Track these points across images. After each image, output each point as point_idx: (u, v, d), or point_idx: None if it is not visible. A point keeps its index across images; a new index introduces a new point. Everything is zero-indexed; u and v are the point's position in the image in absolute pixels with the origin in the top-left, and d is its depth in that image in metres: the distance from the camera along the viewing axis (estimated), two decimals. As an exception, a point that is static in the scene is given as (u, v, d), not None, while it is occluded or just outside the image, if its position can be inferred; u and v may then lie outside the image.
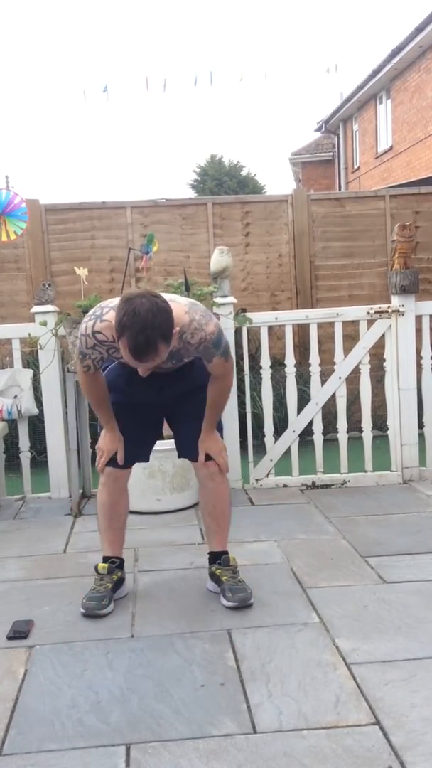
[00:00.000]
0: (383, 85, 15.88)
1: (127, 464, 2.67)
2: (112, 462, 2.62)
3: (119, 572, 2.68)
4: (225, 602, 2.56)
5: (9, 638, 2.37)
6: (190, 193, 25.25)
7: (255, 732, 1.82)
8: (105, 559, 2.70)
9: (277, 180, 51.82)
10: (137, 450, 2.68)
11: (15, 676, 2.14)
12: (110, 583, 2.62)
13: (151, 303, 2.12)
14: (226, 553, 2.71)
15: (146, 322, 2.09)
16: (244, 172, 26.82)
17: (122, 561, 2.73)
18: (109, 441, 2.60)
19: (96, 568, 2.68)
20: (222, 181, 25.59)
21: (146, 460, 2.78)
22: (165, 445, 2.95)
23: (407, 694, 1.94)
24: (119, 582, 2.67)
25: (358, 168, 18.36)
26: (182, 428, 2.69)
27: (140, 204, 6.08)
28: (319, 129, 20.25)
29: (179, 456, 2.78)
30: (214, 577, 2.68)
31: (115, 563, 2.69)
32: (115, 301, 2.29)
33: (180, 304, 2.33)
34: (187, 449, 2.68)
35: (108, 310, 2.32)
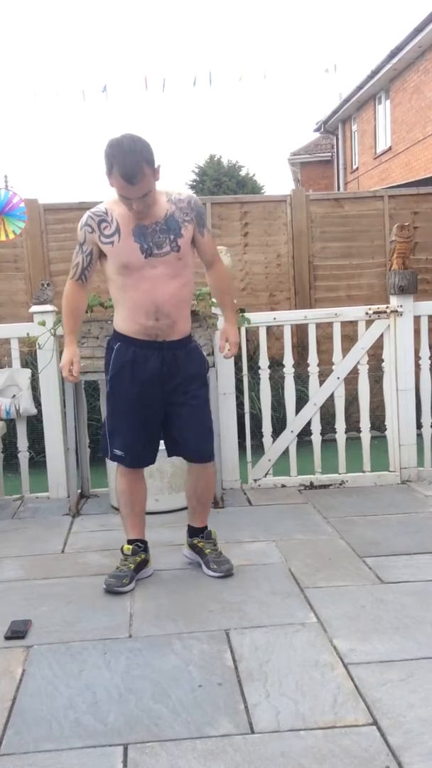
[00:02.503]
0: (382, 86, 15.88)
1: (139, 465, 2.83)
2: (125, 461, 2.77)
3: (143, 554, 2.82)
4: (210, 572, 2.79)
5: (7, 638, 2.37)
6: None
7: (253, 732, 1.82)
8: (130, 542, 2.84)
9: (276, 180, 51.86)
10: (147, 452, 2.81)
11: (12, 676, 2.14)
12: (133, 563, 2.76)
13: (130, 135, 2.45)
14: (207, 527, 2.93)
15: (130, 148, 2.41)
16: (243, 172, 26.80)
17: (146, 543, 2.87)
18: (65, 355, 2.74)
19: (121, 549, 2.84)
20: (221, 181, 25.57)
21: (153, 462, 2.87)
22: (163, 446, 2.96)
23: (405, 695, 1.95)
24: (143, 563, 2.80)
25: (357, 168, 18.37)
26: (177, 427, 2.77)
27: (139, 204, 6.08)
28: (318, 129, 20.26)
29: (169, 455, 2.91)
30: (195, 548, 2.90)
31: (140, 546, 2.83)
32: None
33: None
34: (182, 448, 2.83)
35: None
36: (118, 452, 2.76)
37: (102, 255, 2.66)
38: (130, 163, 2.40)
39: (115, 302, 2.72)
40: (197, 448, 2.80)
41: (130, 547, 2.82)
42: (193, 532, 2.94)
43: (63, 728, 1.87)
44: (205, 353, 3.60)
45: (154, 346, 2.66)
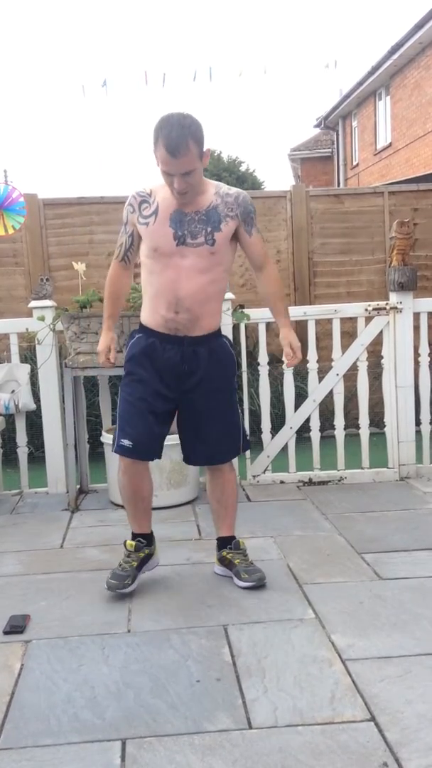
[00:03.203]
0: (382, 82, 15.86)
1: (146, 458, 2.69)
2: (128, 452, 2.63)
3: (147, 549, 2.74)
4: (241, 583, 2.64)
5: (5, 633, 2.38)
6: (189, 189, 25.20)
7: (250, 727, 1.82)
8: (133, 537, 2.75)
9: (276, 176, 51.83)
10: (155, 445, 2.67)
11: (11, 671, 2.14)
12: (136, 561, 2.68)
13: (181, 113, 2.40)
14: (235, 537, 2.79)
15: (178, 122, 2.35)
16: (243, 168, 26.77)
17: (150, 537, 2.78)
18: (103, 340, 2.72)
19: (124, 543, 2.75)
20: (221, 177, 25.51)
21: (159, 456, 2.75)
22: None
23: (402, 691, 1.95)
24: (146, 558, 2.73)
25: (357, 164, 18.34)
26: (193, 430, 2.69)
27: (139, 199, 6.06)
28: (318, 125, 20.23)
29: (189, 463, 2.86)
30: (224, 561, 2.75)
31: (143, 542, 2.74)
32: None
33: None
34: (198, 452, 2.75)
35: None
36: (125, 442, 2.61)
37: (140, 237, 2.58)
38: (176, 135, 2.34)
39: (143, 292, 2.63)
40: (208, 451, 2.70)
41: (133, 543, 2.72)
42: (221, 543, 2.80)
43: (61, 723, 1.87)
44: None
45: (174, 340, 2.56)
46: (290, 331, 2.72)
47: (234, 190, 2.58)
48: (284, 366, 2.80)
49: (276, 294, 2.74)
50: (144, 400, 2.59)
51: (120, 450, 2.63)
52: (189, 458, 2.82)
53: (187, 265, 2.50)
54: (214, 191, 2.54)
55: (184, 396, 2.63)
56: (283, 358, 2.71)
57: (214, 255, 2.52)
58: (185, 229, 2.48)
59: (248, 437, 2.83)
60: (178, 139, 2.33)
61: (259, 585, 2.62)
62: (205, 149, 2.42)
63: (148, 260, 2.55)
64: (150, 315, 2.59)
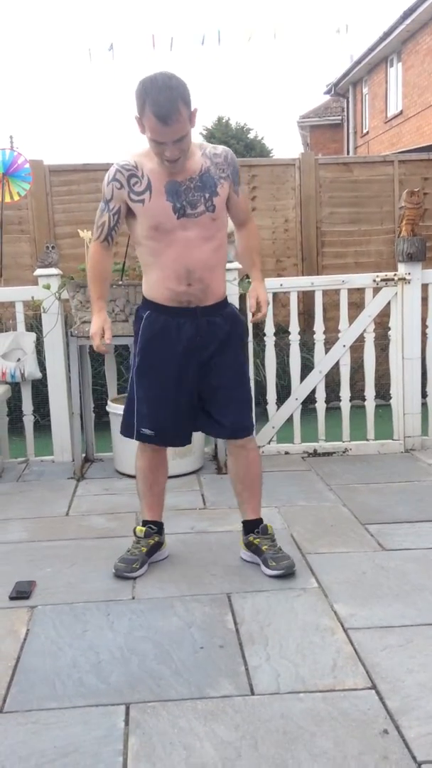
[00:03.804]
0: (394, 48, 15.54)
1: (171, 445, 2.67)
2: (150, 440, 2.58)
3: (157, 537, 2.67)
4: (268, 571, 2.51)
5: (11, 598, 2.40)
6: (196, 156, 24.92)
7: (253, 694, 1.84)
8: (144, 523, 2.69)
9: (285, 143, 51.14)
10: (180, 431, 2.60)
11: (17, 636, 2.17)
12: (146, 546, 2.62)
13: (164, 72, 2.22)
14: (262, 521, 2.67)
15: (164, 85, 2.18)
16: (251, 135, 26.43)
17: (161, 526, 2.72)
18: (95, 323, 2.53)
19: (134, 530, 2.69)
20: (229, 144, 25.20)
21: (186, 442, 2.67)
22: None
23: (403, 660, 1.97)
24: (156, 546, 2.66)
25: (367, 132, 18.08)
26: (211, 404, 2.56)
27: (145, 166, 5.99)
28: (328, 92, 19.92)
29: (211, 435, 2.83)
30: (251, 546, 2.63)
31: (153, 529, 2.67)
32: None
33: None
34: (217, 427, 2.61)
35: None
36: (146, 431, 2.54)
37: (129, 213, 2.42)
38: (165, 100, 2.16)
39: (144, 267, 2.50)
40: (232, 423, 2.55)
41: (144, 529, 2.65)
42: (248, 527, 2.66)
43: (66, 687, 1.90)
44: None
45: (186, 313, 2.43)
46: (260, 284, 2.65)
47: (220, 148, 2.45)
48: (249, 320, 2.79)
49: (255, 248, 2.70)
50: (164, 388, 2.49)
51: (141, 437, 2.58)
52: (212, 431, 2.71)
53: (192, 237, 2.37)
54: (201, 152, 2.40)
55: (201, 369, 2.50)
56: (248, 311, 2.67)
57: (215, 221, 2.41)
58: (183, 200, 2.34)
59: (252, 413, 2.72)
60: (168, 103, 2.16)
61: (288, 573, 2.49)
62: (192, 109, 2.25)
63: (148, 241, 2.40)
64: (157, 289, 2.45)
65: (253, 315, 2.64)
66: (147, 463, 2.65)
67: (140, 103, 2.21)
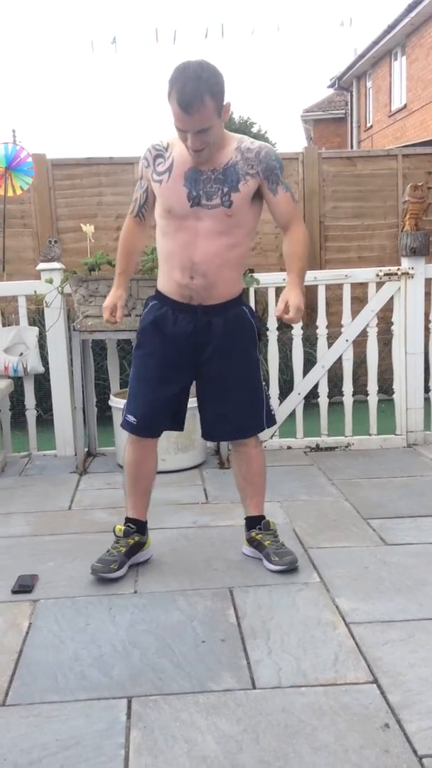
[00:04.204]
0: (398, 41, 15.47)
1: (150, 435, 2.56)
2: (131, 428, 2.53)
3: (137, 537, 2.58)
4: (271, 566, 2.50)
5: (14, 592, 2.41)
6: (200, 150, 24.88)
7: (254, 688, 1.85)
8: (125, 521, 2.61)
9: (288, 137, 51.01)
10: (162, 419, 2.54)
11: (19, 629, 2.18)
12: (124, 546, 2.54)
13: (200, 62, 2.18)
14: (264, 517, 2.65)
15: (194, 74, 2.14)
16: (254, 129, 26.36)
17: (143, 525, 2.62)
18: (110, 297, 2.59)
19: (114, 529, 2.62)
20: (232, 138, 25.18)
21: (179, 428, 2.61)
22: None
23: (405, 654, 1.97)
24: (136, 546, 2.58)
25: (371, 126, 18.02)
26: (210, 402, 2.53)
27: (148, 160, 5.98)
28: (332, 85, 19.83)
29: (203, 437, 2.75)
30: (253, 542, 2.62)
31: (133, 528, 2.58)
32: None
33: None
34: (215, 428, 2.59)
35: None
36: (129, 418, 2.51)
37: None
38: (191, 90, 2.12)
39: (158, 254, 2.47)
40: (228, 426, 2.54)
41: (122, 528, 2.57)
42: (250, 523, 2.65)
43: (68, 680, 1.91)
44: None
45: (187, 309, 2.40)
46: (294, 289, 2.38)
47: (257, 143, 2.36)
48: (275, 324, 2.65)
49: (296, 254, 2.47)
50: (152, 378, 2.47)
51: (124, 425, 2.56)
52: (210, 434, 2.69)
53: (203, 228, 2.31)
54: (236, 146, 2.33)
55: (199, 369, 2.47)
56: (276, 313, 2.42)
57: (232, 217, 2.32)
58: (200, 189, 2.29)
59: (274, 412, 2.65)
60: (193, 93, 2.12)
61: (291, 569, 2.48)
62: (225, 102, 2.21)
63: (161, 220, 2.40)
64: (165, 281, 2.44)
65: (279, 314, 2.41)
66: (132, 456, 2.58)
67: (169, 87, 2.18)
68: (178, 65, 2.18)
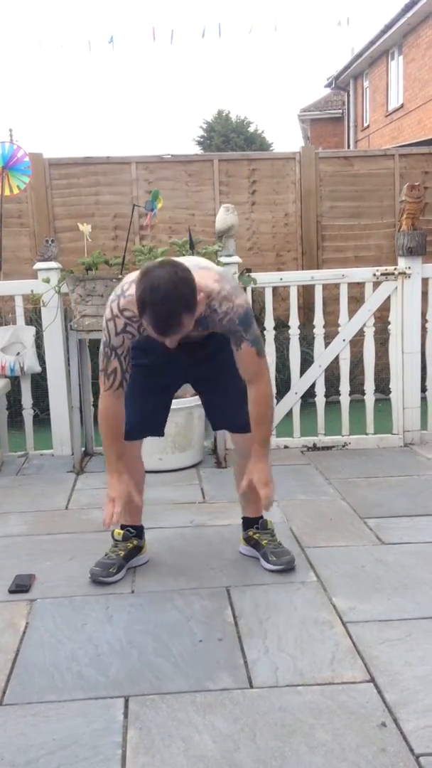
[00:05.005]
0: (395, 41, 15.49)
1: (139, 437, 2.53)
2: (125, 435, 2.43)
3: (135, 540, 2.59)
4: (268, 566, 2.50)
5: (11, 591, 2.41)
6: (197, 150, 24.87)
7: (251, 687, 1.85)
8: (122, 526, 2.60)
9: (285, 137, 50.98)
10: (147, 423, 2.52)
11: (16, 629, 2.17)
12: (123, 550, 2.54)
13: (170, 274, 2.00)
14: (262, 517, 2.64)
15: (167, 294, 1.97)
16: (251, 129, 26.36)
17: (140, 529, 2.63)
18: (118, 487, 2.34)
19: (112, 534, 2.61)
20: (229, 138, 25.16)
21: (160, 434, 2.59)
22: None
23: (402, 653, 1.97)
24: (135, 550, 2.58)
25: (368, 126, 18.03)
26: (207, 398, 2.56)
27: (145, 159, 5.99)
28: (329, 85, 19.85)
29: (214, 429, 2.71)
30: (251, 541, 2.62)
31: (132, 532, 2.59)
32: (134, 275, 2.19)
33: (210, 272, 2.24)
34: (218, 421, 2.62)
35: (129, 285, 2.19)
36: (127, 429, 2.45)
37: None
38: (167, 314, 1.99)
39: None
40: (233, 419, 2.50)
41: (122, 532, 2.57)
42: (247, 522, 2.65)
43: (65, 680, 1.91)
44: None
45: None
46: (258, 463, 2.33)
47: (224, 308, 2.19)
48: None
49: (260, 417, 2.33)
50: (142, 388, 2.43)
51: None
52: (218, 426, 2.68)
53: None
54: (206, 301, 2.15)
55: (188, 370, 2.46)
56: (237, 490, 2.37)
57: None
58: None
59: None
60: (169, 317, 2.00)
61: (288, 569, 2.47)
62: (199, 297, 2.06)
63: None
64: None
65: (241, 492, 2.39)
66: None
67: (140, 305, 2.02)
68: (145, 284, 1.99)
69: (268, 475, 2.36)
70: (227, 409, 2.52)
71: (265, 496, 2.35)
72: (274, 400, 2.35)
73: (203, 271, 2.21)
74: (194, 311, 2.06)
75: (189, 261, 2.27)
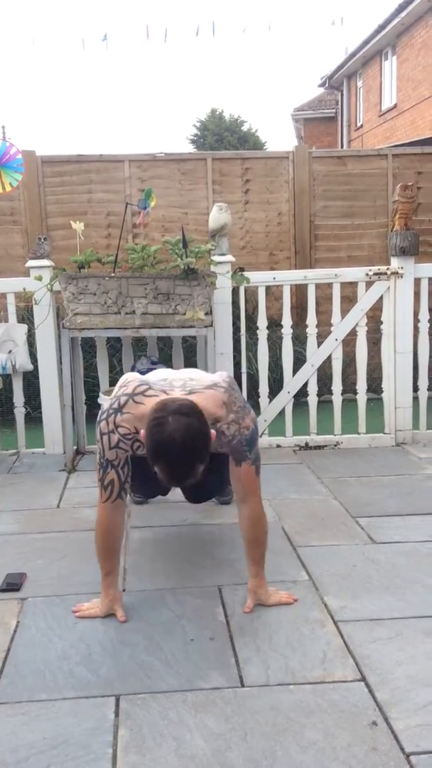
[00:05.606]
0: (389, 41, 15.51)
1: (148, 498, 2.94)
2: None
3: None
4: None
5: (2, 590, 2.40)
6: (190, 148, 24.83)
7: (243, 686, 1.85)
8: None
9: (279, 136, 50.99)
10: (154, 487, 2.61)
11: (7, 628, 2.17)
12: None
13: (186, 427, 1.90)
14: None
15: (182, 450, 1.89)
16: (245, 128, 26.33)
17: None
18: (103, 601, 2.24)
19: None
20: (222, 137, 25.13)
21: (164, 494, 2.79)
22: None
23: (393, 652, 1.98)
24: None
25: (362, 126, 18.05)
26: (188, 491, 2.70)
27: (139, 157, 5.97)
28: (322, 85, 19.84)
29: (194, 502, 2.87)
30: None
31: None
32: (130, 385, 2.18)
33: (218, 393, 2.18)
34: (202, 501, 2.87)
35: (126, 400, 2.15)
36: (138, 498, 2.75)
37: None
38: (182, 469, 1.94)
39: None
40: (216, 494, 2.86)
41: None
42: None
43: (56, 679, 1.90)
44: (203, 312, 3.59)
45: None
46: (258, 582, 2.26)
47: (232, 428, 2.16)
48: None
49: (255, 540, 2.27)
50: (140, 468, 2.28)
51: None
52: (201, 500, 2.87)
53: None
54: (213, 422, 2.11)
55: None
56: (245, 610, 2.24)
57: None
58: None
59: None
60: (185, 470, 1.94)
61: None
62: (212, 435, 2.00)
63: None
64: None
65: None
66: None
67: (153, 456, 1.93)
68: (162, 437, 1.90)
69: (266, 593, 2.27)
70: (212, 490, 2.76)
71: (285, 602, 2.28)
72: (267, 519, 2.31)
73: (210, 391, 2.17)
74: (207, 458, 1.98)
75: (183, 374, 2.28)
